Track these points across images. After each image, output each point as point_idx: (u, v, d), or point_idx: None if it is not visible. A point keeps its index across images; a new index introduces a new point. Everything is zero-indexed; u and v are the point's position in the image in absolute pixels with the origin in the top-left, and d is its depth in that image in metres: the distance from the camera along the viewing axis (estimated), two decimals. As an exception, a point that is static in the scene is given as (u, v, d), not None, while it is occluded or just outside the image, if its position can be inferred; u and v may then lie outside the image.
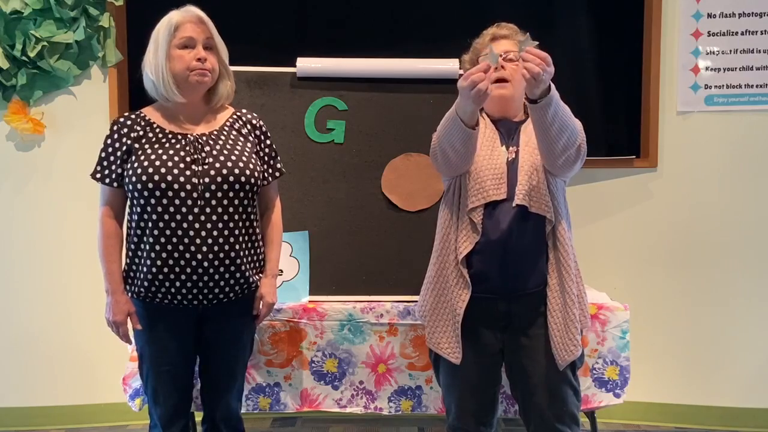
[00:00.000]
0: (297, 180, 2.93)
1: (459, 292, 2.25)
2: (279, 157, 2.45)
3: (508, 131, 2.33)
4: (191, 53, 2.23)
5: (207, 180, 2.21)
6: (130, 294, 2.31)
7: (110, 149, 2.28)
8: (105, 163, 2.28)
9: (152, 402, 2.38)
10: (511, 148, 2.29)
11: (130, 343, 2.39)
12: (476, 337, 2.29)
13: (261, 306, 2.40)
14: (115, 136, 2.28)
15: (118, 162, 2.26)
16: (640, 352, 3.12)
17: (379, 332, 2.73)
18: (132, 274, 2.29)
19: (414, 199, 2.94)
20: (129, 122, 2.29)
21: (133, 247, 2.27)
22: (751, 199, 3.49)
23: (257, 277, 2.38)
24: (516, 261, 2.24)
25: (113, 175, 2.26)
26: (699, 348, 3.55)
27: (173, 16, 2.25)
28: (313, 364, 2.74)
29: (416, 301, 2.73)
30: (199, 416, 2.52)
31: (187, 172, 2.20)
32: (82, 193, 3.43)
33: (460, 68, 2.99)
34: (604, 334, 2.75)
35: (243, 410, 2.59)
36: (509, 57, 2.28)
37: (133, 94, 3.50)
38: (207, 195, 2.21)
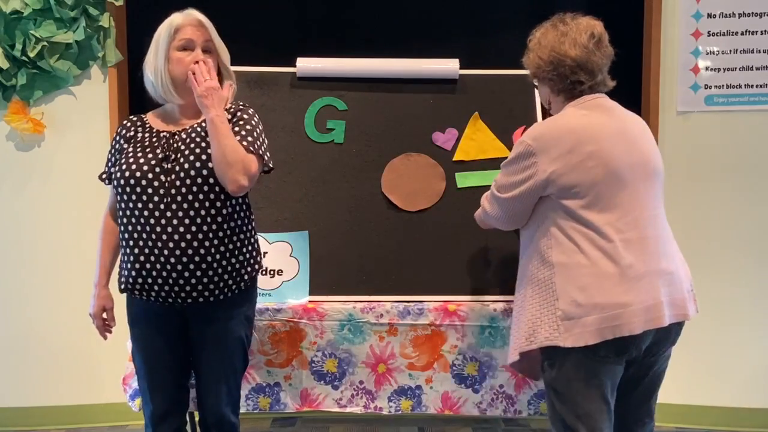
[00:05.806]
0: (297, 180, 2.93)
1: None
2: (258, 141, 2.27)
3: None
4: (190, 55, 2.25)
5: (173, 177, 2.20)
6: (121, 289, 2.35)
7: (111, 150, 2.37)
8: (108, 164, 2.37)
9: (143, 400, 2.41)
10: None
11: (105, 338, 2.48)
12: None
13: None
14: (116, 137, 2.37)
15: (113, 161, 2.34)
16: (640, 352, 3.11)
17: (379, 332, 2.73)
18: (121, 267, 2.33)
19: (414, 199, 2.94)
20: (129, 124, 2.37)
21: (123, 243, 2.31)
22: (751, 198, 3.49)
23: (242, 279, 2.34)
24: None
25: (110, 174, 2.34)
26: (699, 348, 3.54)
27: (174, 19, 2.28)
28: (313, 364, 2.74)
29: (416, 302, 2.74)
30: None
31: (157, 170, 2.21)
32: (82, 193, 3.43)
33: (460, 68, 3.01)
34: (604, 334, 2.74)
35: (243, 410, 2.58)
36: None
37: (133, 94, 3.51)
38: (173, 192, 2.19)
